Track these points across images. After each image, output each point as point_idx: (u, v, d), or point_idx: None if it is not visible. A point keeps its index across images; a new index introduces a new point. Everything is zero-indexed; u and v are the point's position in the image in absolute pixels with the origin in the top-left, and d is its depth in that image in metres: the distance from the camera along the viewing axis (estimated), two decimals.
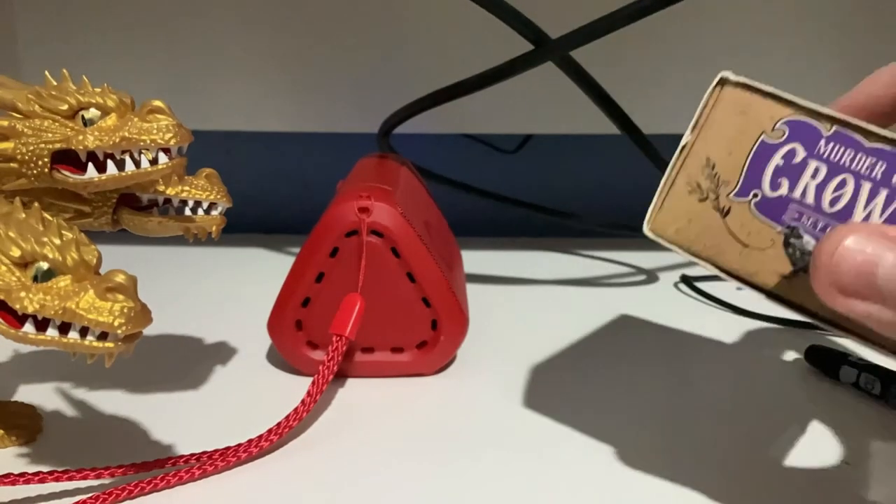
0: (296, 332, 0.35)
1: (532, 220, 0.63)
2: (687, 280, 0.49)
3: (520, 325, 0.42)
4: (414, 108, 0.40)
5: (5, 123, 0.23)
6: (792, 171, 0.19)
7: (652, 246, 0.61)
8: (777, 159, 0.20)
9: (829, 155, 0.19)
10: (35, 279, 0.20)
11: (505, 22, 0.33)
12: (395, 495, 0.26)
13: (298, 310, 0.35)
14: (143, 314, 0.21)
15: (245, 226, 0.61)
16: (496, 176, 0.62)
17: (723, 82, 0.20)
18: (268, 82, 0.55)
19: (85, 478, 0.25)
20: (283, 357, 0.36)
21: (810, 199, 0.19)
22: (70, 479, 0.24)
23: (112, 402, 0.33)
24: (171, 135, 0.23)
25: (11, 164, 0.23)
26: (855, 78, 0.54)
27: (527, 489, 0.27)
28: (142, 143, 0.23)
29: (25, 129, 0.23)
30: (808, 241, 0.19)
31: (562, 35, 0.32)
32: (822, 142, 0.19)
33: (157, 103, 0.23)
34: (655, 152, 0.37)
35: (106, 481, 0.26)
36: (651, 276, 0.51)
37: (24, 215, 0.20)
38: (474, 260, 0.54)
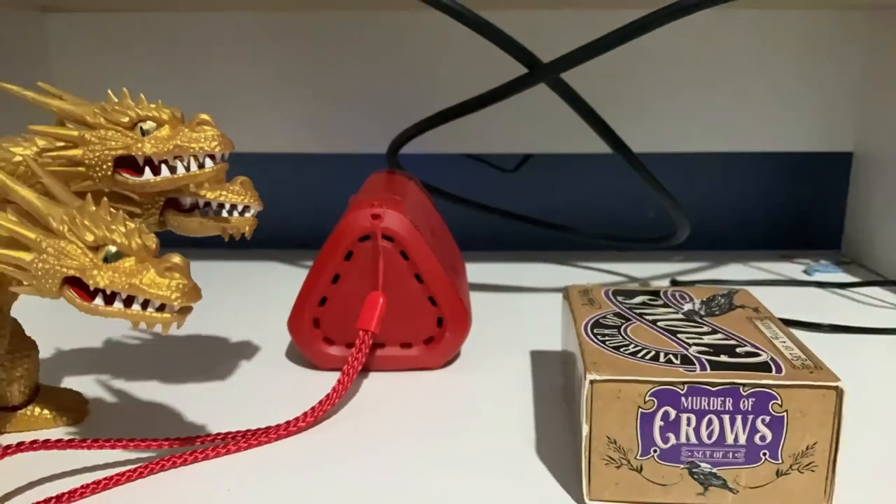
0: (313, 329, 0.38)
1: (531, 233, 0.66)
2: (676, 284, 0.52)
3: (519, 327, 0.45)
4: (420, 127, 0.44)
5: (76, 134, 0.26)
6: (672, 426, 0.26)
7: (643, 258, 0.64)
8: (658, 421, 0.26)
9: (691, 405, 0.26)
10: (105, 260, 0.23)
11: (500, 47, 0.36)
12: (402, 475, 0.29)
13: (316, 308, 0.38)
14: (194, 290, 0.24)
15: (261, 241, 0.65)
16: (497, 193, 0.66)
17: (593, 382, 0.26)
18: (284, 108, 0.59)
19: (136, 447, 0.28)
20: (301, 353, 0.39)
21: (693, 439, 0.26)
22: (124, 447, 0.27)
23: (149, 391, 0.36)
24: (216, 143, 0.27)
25: (80, 168, 0.26)
26: (838, 95, 0.58)
27: (521, 471, 0.30)
28: (192, 150, 0.27)
29: (92, 139, 0.26)
30: (706, 466, 0.26)
31: (553, 59, 0.36)
32: (682, 398, 0.26)
33: (204, 116, 0.27)
34: (645, 169, 0.41)
35: (152, 453, 0.29)
36: (643, 285, 0.54)
37: (94, 208, 0.24)
38: (478, 271, 0.58)
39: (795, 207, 0.67)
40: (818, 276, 0.55)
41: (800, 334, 0.43)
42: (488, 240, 0.66)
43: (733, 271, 0.57)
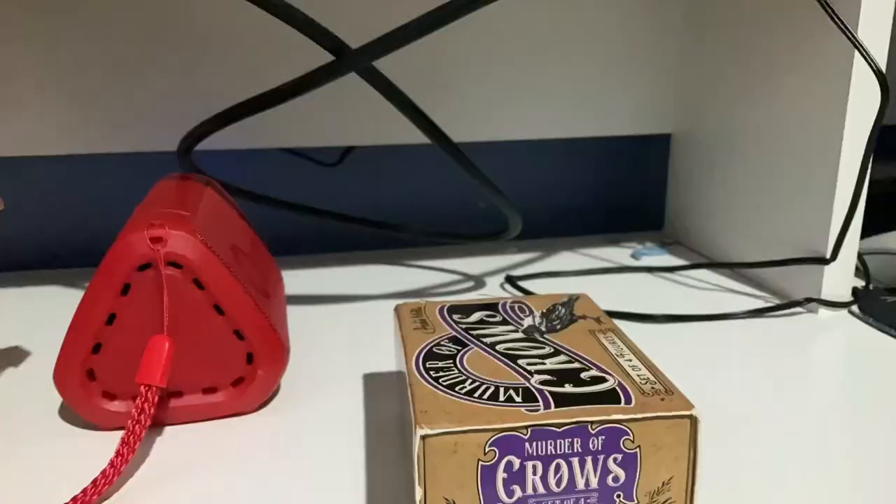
0: (88, 382, 0.31)
1: (358, 233, 0.61)
2: (511, 280, 0.50)
3: (351, 346, 0.40)
4: (212, 123, 0.37)
5: None
6: (516, 476, 0.23)
7: (476, 251, 0.61)
8: (501, 473, 0.23)
9: (537, 451, 0.22)
10: None
11: (302, 32, 0.31)
12: None
13: (89, 357, 0.31)
14: None
15: (30, 262, 0.54)
16: (319, 190, 0.60)
17: (424, 438, 0.22)
18: (49, 101, 0.49)
19: None
20: (75, 411, 0.32)
21: (541, 489, 0.23)
22: None
23: None
24: None
25: None
26: (656, 80, 0.57)
27: None
28: None
29: None
30: None
31: (363, 45, 0.31)
32: (526, 444, 0.22)
33: None
34: (467, 160, 0.37)
35: None
36: (479, 282, 0.51)
37: None
38: (300, 281, 0.52)
39: (620, 190, 0.67)
40: (645, 261, 0.55)
41: (635, 326, 0.42)
42: (310, 242, 0.60)
43: (565, 260, 0.56)
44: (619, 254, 0.57)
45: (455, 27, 0.54)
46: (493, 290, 0.49)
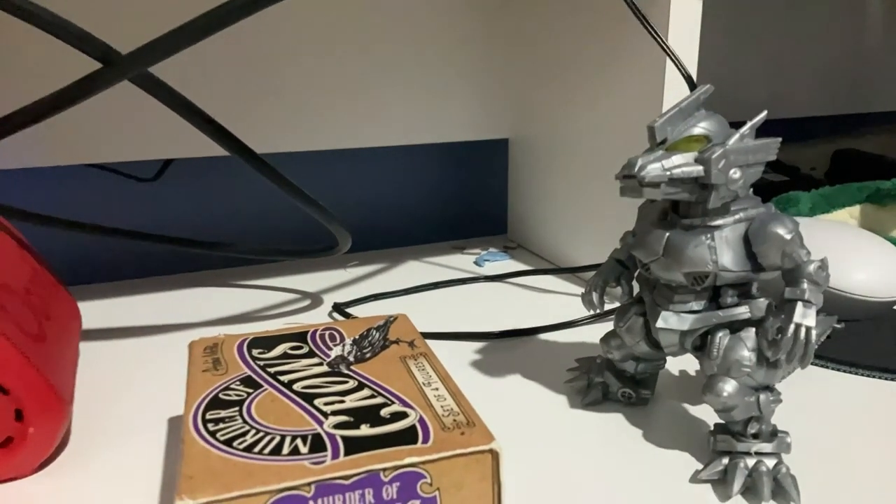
0: None
1: (180, 254, 0.57)
2: (338, 308, 0.46)
3: (159, 386, 0.36)
4: None
5: None
6: None
7: (315, 267, 0.57)
8: None
9: None
10: None
11: (58, 37, 0.27)
12: None
13: None
14: None
15: None
16: (138, 208, 0.55)
17: None
18: None
19: None
20: None
21: None
22: None
23: None
24: None
25: None
26: (493, 87, 0.55)
27: None
28: None
29: None
30: None
31: (134, 50, 0.27)
32: (311, 503, 0.20)
33: None
34: (274, 171, 0.34)
35: None
36: (315, 300, 0.49)
37: None
38: (112, 311, 0.46)
39: (464, 196, 0.67)
40: (488, 267, 0.55)
41: (472, 346, 0.41)
42: (130, 268, 0.55)
43: (407, 272, 0.54)
44: (463, 261, 0.56)
45: (280, 31, 0.50)
46: (329, 308, 0.47)
